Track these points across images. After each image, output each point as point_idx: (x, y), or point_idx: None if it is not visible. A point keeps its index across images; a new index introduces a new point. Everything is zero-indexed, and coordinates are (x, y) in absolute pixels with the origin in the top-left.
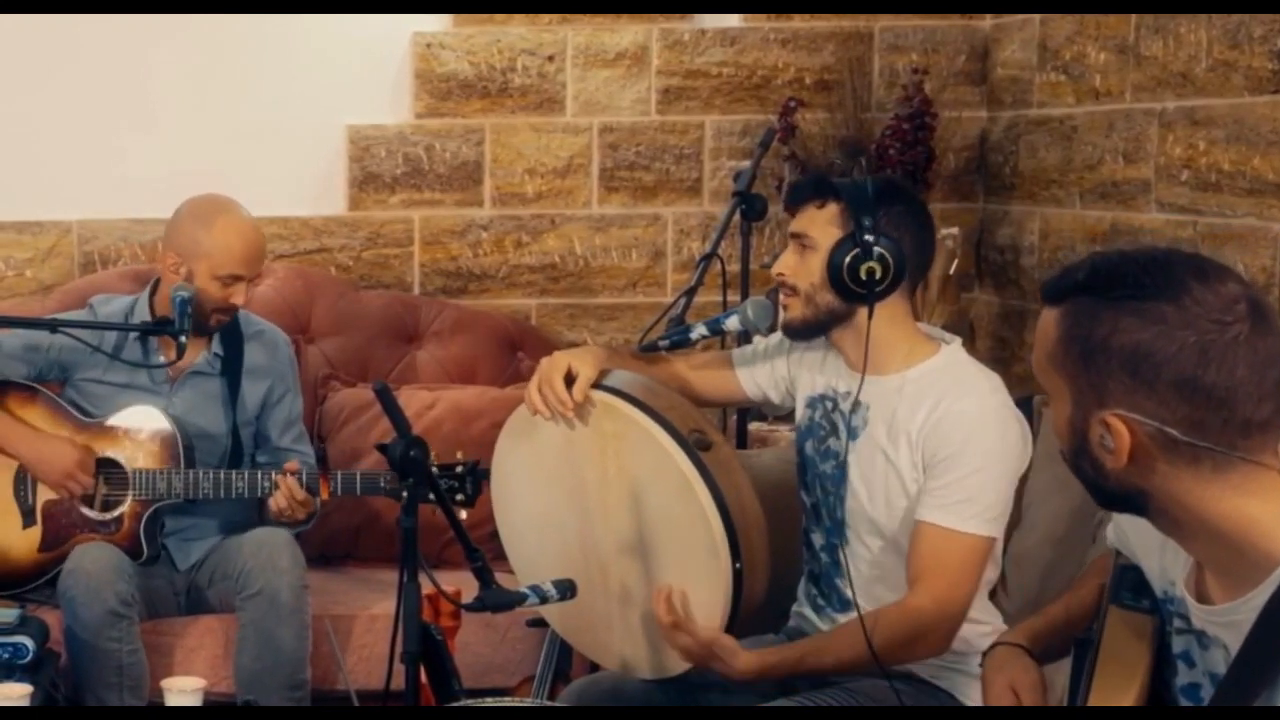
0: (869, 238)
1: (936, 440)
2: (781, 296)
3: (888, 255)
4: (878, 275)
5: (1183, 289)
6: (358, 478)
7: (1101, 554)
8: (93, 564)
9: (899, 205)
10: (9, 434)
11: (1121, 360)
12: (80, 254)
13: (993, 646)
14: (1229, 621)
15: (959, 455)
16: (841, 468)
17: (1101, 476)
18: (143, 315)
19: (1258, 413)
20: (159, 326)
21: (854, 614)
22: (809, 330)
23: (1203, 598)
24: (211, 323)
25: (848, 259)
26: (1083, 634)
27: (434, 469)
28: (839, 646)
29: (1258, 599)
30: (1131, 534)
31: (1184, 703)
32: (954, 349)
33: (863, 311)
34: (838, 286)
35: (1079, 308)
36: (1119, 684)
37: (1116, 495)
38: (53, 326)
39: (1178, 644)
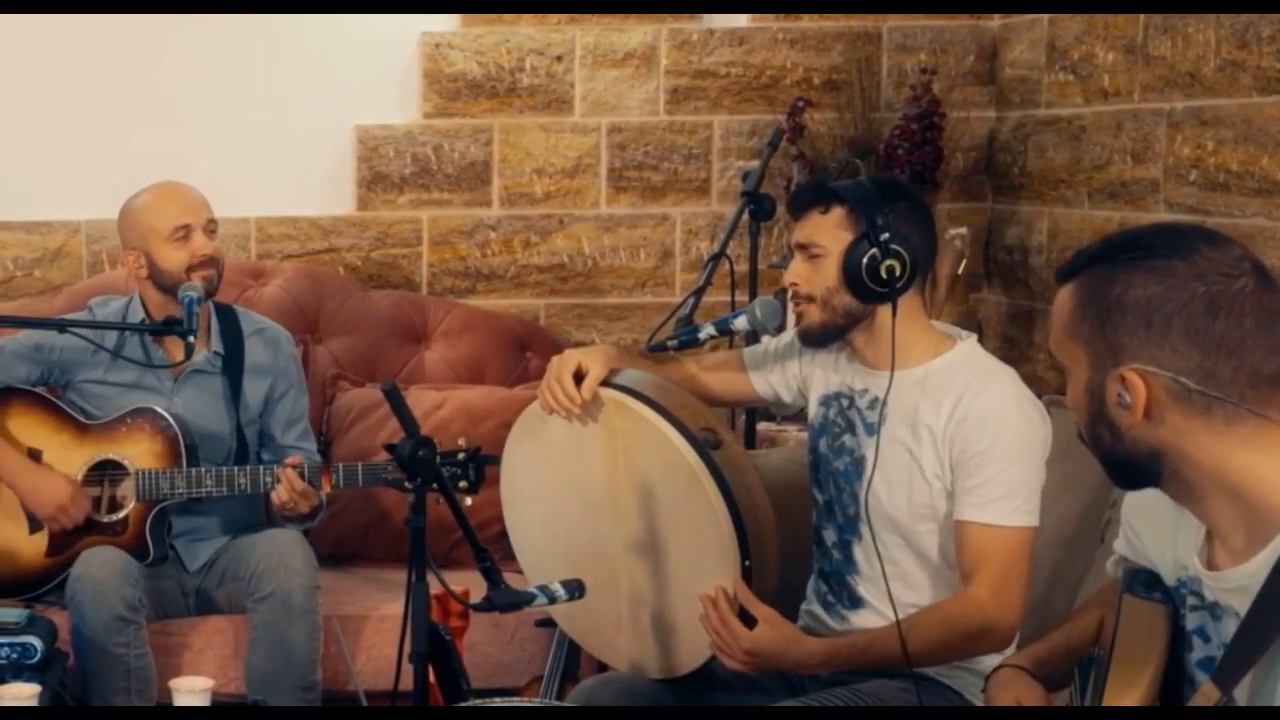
0: (885, 236)
1: (965, 437)
2: (795, 305)
3: (903, 251)
4: (897, 272)
5: (1192, 249)
6: (359, 469)
7: (1104, 586)
8: (99, 569)
9: (902, 202)
10: (4, 465)
11: (1136, 314)
12: (88, 254)
13: (996, 669)
14: (1239, 586)
15: (991, 451)
16: (857, 464)
17: (1117, 439)
18: (136, 316)
19: (1266, 364)
20: (167, 326)
21: (863, 612)
22: (827, 335)
23: (1214, 568)
24: (199, 283)
25: (864, 260)
26: (1085, 656)
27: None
28: (909, 636)
29: (1267, 558)
30: (1143, 530)
31: (1200, 677)
32: (970, 344)
33: (879, 311)
34: (856, 288)
35: (1093, 276)
36: (1136, 669)
37: (1132, 460)
38: (61, 326)
39: (1192, 621)
